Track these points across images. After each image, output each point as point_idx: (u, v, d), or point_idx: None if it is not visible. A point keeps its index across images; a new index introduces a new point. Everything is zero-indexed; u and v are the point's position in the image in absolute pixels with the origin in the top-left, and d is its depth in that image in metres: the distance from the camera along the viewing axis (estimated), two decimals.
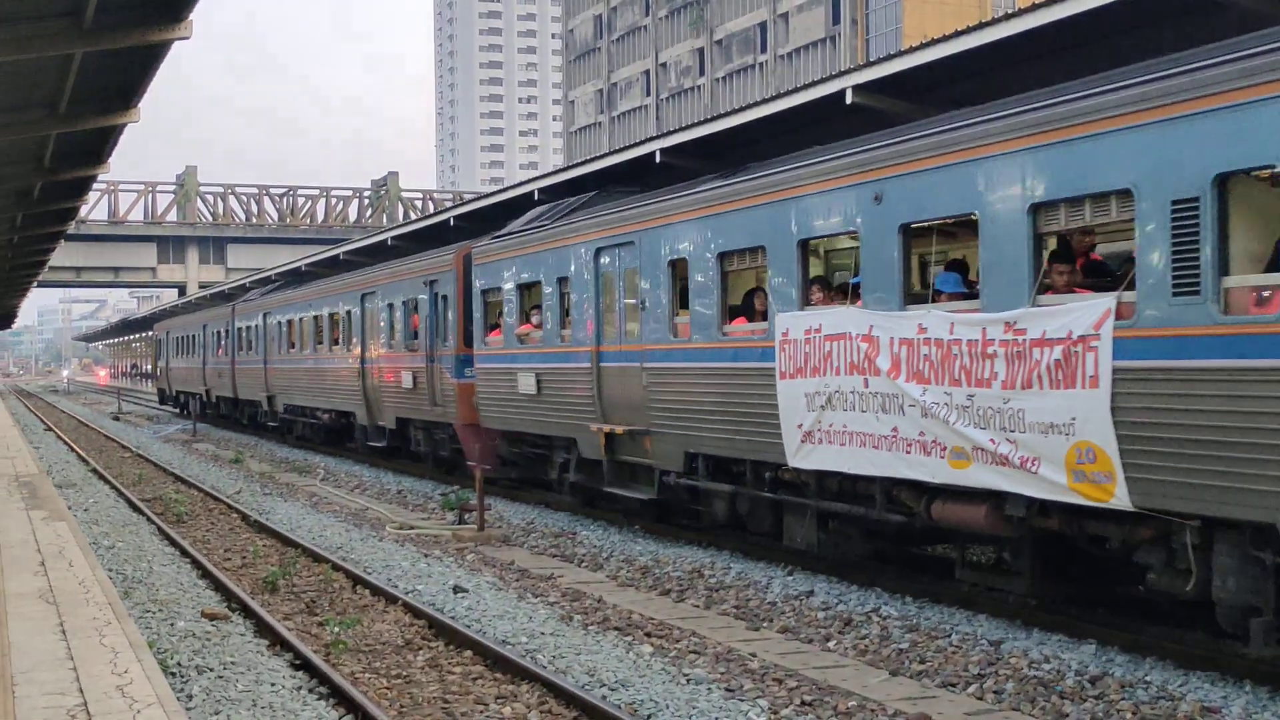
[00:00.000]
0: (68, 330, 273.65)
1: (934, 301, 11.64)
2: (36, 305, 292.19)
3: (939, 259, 12.73)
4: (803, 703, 9.45)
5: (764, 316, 14.00)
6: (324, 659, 10.74)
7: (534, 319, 19.82)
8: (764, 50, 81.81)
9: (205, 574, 15.20)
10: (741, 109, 17.99)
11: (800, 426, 12.82)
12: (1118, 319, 9.56)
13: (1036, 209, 10.25)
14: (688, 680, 10.04)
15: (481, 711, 9.35)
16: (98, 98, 20.50)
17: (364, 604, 13.39)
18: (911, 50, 15.03)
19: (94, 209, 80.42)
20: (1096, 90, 10.00)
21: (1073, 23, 12.94)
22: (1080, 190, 9.92)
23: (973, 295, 11.23)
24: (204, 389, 48.62)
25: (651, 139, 20.24)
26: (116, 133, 23.50)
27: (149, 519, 20.24)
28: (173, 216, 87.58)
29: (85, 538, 15.70)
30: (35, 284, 71.65)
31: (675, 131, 19.64)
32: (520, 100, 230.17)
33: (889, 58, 15.46)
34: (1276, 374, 8.52)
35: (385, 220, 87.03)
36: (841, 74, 16.02)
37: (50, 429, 46.63)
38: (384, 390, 27.14)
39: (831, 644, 11.37)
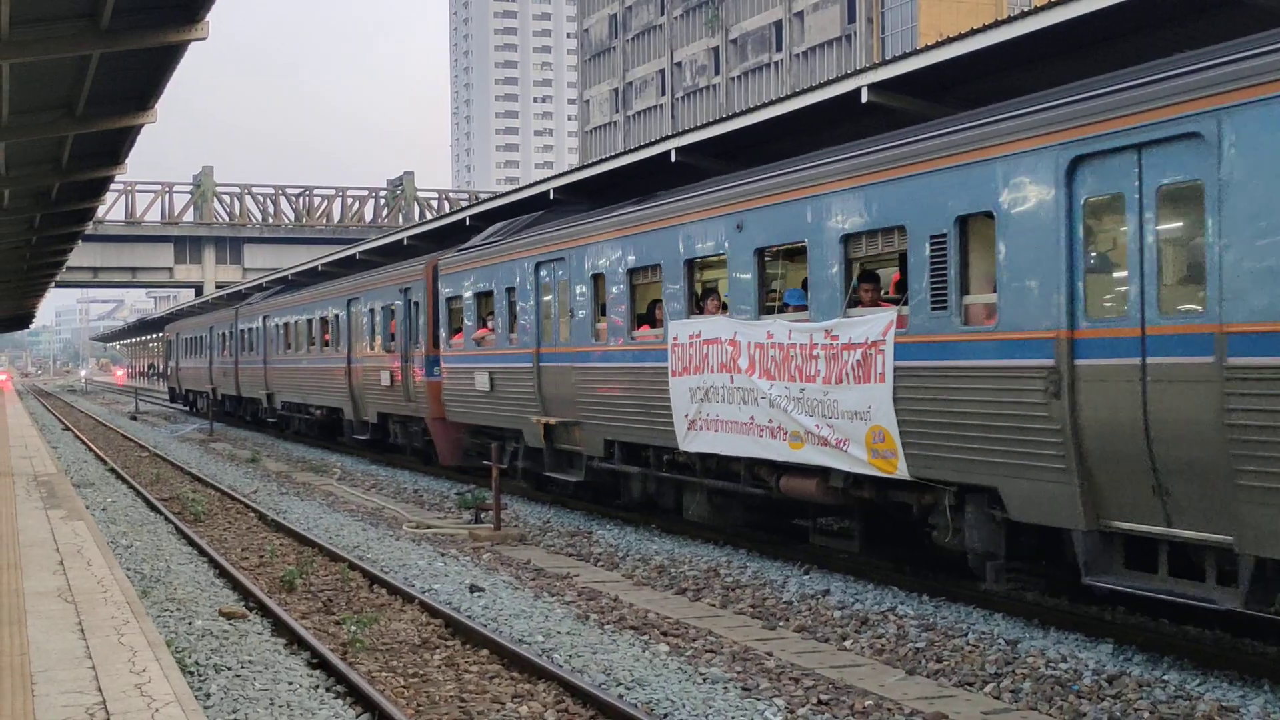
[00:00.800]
0: (85, 330, 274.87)
1: (782, 312, 14.04)
2: (54, 305, 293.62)
3: (785, 276, 15.12)
4: (819, 702, 9.44)
5: (662, 323, 16.31)
6: (341, 658, 10.77)
7: (489, 324, 22.07)
8: (779, 49, 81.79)
9: (223, 573, 15.25)
10: (756, 108, 17.97)
11: (687, 416, 15.26)
12: (898, 328, 12.04)
13: (846, 239, 12.82)
14: (704, 679, 10.05)
15: (498, 710, 9.36)
16: (115, 99, 20.57)
17: (381, 603, 13.42)
18: (927, 49, 15.00)
19: (111, 209, 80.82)
20: (883, 145, 12.62)
21: (1089, 20, 12.90)
22: (874, 225, 12.49)
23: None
24: (211, 387, 50.82)
25: (666, 138, 20.24)
26: (133, 133, 23.58)
27: (166, 518, 20.31)
28: (189, 217, 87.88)
29: (103, 537, 15.77)
30: (53, 284, 71.87)
31: (690, 131, 19.63)
32: (535, 100, 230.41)
33: (904, 56, 15.43)
34: (998, 371, 10.95)
35: (401, 220, 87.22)
36: (857, 73, 15.99)
37: (68, 428, 46.82)
38: (367, 388, 29.40)
39: (848, 643, 11.37)
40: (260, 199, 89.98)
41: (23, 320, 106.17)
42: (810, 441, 13.10)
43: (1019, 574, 12.54)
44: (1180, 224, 9.68)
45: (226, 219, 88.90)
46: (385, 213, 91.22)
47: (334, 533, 18.49)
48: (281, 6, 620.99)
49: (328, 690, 9.97)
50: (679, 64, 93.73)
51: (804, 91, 16.99)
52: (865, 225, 12.50)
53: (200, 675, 10.09)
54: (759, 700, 9.42)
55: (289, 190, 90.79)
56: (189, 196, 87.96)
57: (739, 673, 10.29)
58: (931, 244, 11.60)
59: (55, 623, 9.86)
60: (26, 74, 18.01)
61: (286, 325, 37.80)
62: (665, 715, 9.07)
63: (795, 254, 14.48)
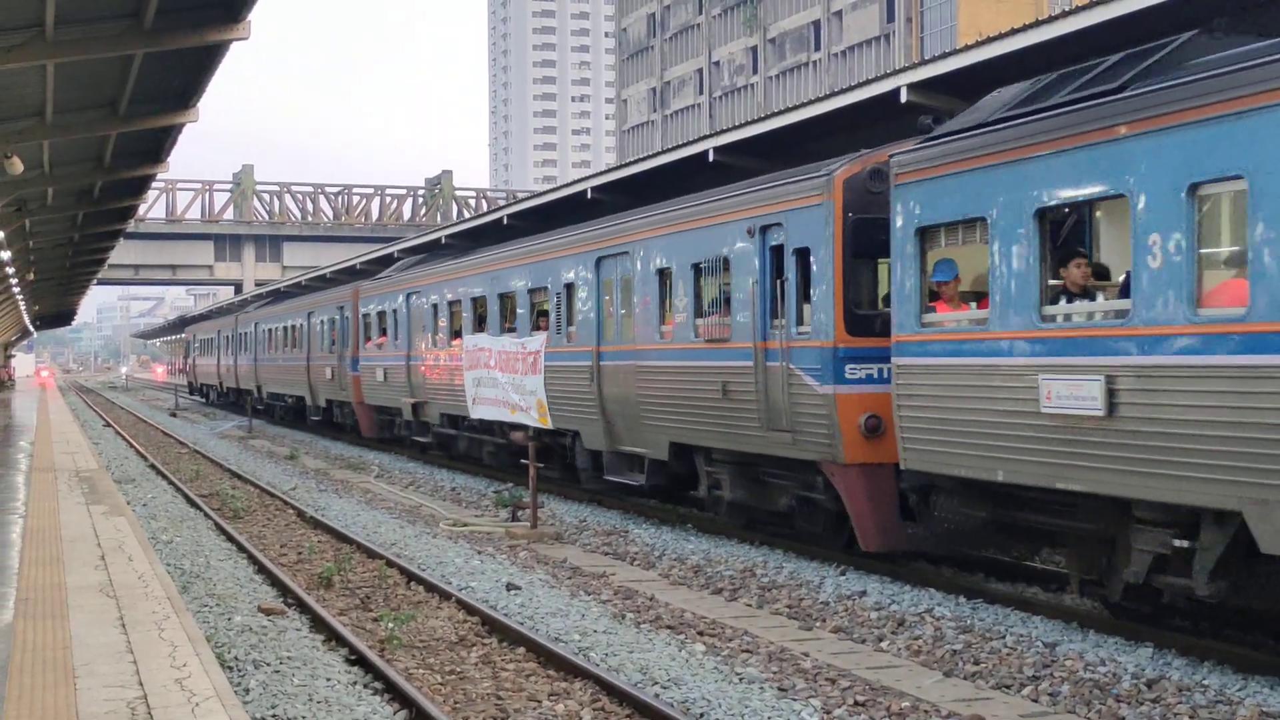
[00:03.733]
0: (126, 327, 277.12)
1: (509, 333, 22.42)
2: (96, 302, 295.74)
3: (513, 311, 23.28)
4: (855, 703, 9.42)
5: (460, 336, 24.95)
6: (379, 654, 10.82)
7: (389, 338, 30.84)
8: (818, 48, 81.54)
9: (261, 569, 15.35)
10: (795, 107, 17.95)
11: (472, 397, 20.72)
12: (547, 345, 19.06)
13: (531, 291, 22.52)
14: (740, 679, 10.04)
15: (534, 708, 9.39)
16: (157, 98, 20.74)
17: (418, 600, 13.48)
18: (967, 48, 14.95)
19: (152, 207, 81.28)
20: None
21: (1130, 20, 12.81)
22: (533, 286, 22.36)
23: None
24: (218, 381, 61.70)
25: (704, 138, 20.25)
26: (175, 132, 23.77)
27: (206, 514, 20.46)
28: (229, 215, 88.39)
29: (144, 532, 15.92)
30: (95, 281, 72.55)
31: (728, 130, 19.63)
32: (573, 99, 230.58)
33: (944, 56, 15.38)
34: (570, 366, 19.97)
35: (439, 218, 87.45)
36: (896, 72, 15.96)
37: (109, 424, 47.22)
38: (318, 381, 38.58)
39: (885, 644, 11.34)
40: (299, 197, 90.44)
41: (65, 317, 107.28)
42: (519, 409, 18.85)
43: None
44: None
45: (266, 217, 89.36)
46: (424, 211, 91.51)
47: (372, 530, 18.58)
48: (322, 6, 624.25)
49: (365, 687, 10.03)
50: (717, 63, 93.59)
51: (843, 91, 16.96)
52: (531, 285, 22.20)
53: (239, 670, 10.16)
54: (795, 701, 9.41)
55: (328, 189, 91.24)
56: (229, 195, 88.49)
57: (775, 673, 10.28)
58: (543, 296, 22.08)
59: (97, 617, 9.96)
60: (70, 73, 18.19)
61: (269, 331, 46.65)
62: (701, 715, 9.07)
63: (513, 296, 23.17)
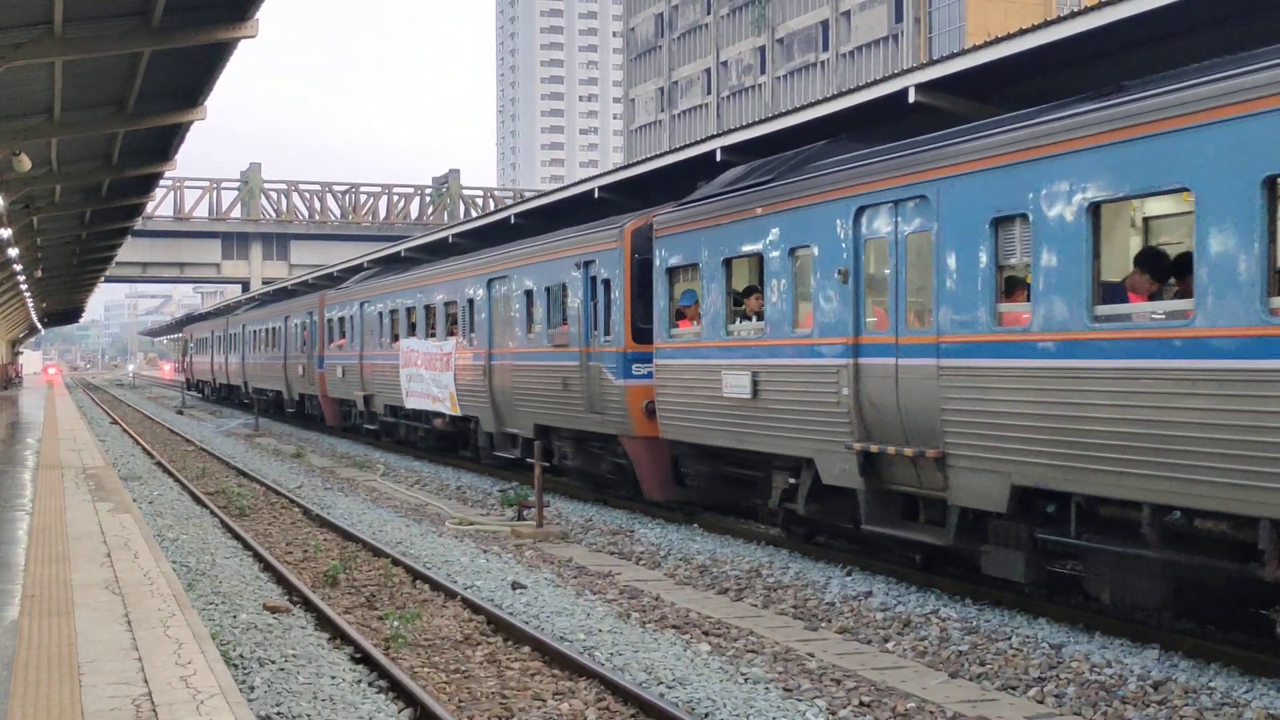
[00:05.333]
0: (133, 325, 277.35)
1: (430, 338, 27.40)
2: (103, 300, 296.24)
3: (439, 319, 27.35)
4: (861, 704, 9.41)
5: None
6: (384, 653, 10.82)
7: (346, 340, 35.56)
8: (826, 48, 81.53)
9: (267, 567, 15.36)
10: (802, 108, 17.92)
11: (406, 390, 26.35)
12: (458, 350, 24.64)
13: (447, 304, 26.33)
14: (745, 679, 10.03)
15: (539, 707, 9.38)
16: (165, 96, 20.76)
17: (423, 599, 13.48)
18: (975, 49, 14.90)
19: (160, 205, 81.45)
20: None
21: (1138, 20, 12.78)
22: (448, 300, 26.33)
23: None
24: (211, 377, 67.34)
25: (711, 137, 20.21)
26: (183, 130, 23.79)
27: (212, 512, 20.48)
28: (237, 213, 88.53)
29: (150, 530, 15.92)
30: (102, 279, 72.66)
31: (735, 130, 19.59)
32: (581, 98, 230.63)
33: (952, 56, 15.33)
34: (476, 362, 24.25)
35: (446, 217, 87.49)
36: (904, 72, 15.91)
37: (116, 422, 47.29)
38: (293, 377, 43.82)
39: (890, 645, 11.32)
40: (307, 196, 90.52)
41: (72, 314, 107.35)
42: (438, 400, 24.20)
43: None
44: None
45: (273, 215, 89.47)
46: (430, 210, 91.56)
47: (377, 528, 18.58)
48: (330, 5, 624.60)
49: (370, 685, 10.03)
50: (724, 63, 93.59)
51: (851, 91, 16.92)
52: (446, 300, 26.45)
53: (244, 668, 10.16)
54: (800, 701, 9.40)
55: (335, 187, 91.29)
56: (237, 193, 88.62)
57: (780, 673, 10.27)
58: (455, 308, 26.19)
59: (102, 614, 9.96)
60: (79, 71, 18.21)
61: (255, 332, 51.57)
62: (706, 715, 9.07)
63: (435, 308, 27.54)
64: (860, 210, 13.28)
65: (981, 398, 11.63)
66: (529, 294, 22.03)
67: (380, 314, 31.81)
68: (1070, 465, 10.66)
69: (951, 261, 11.91)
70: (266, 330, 48.49)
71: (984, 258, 11.54)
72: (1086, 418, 10.44)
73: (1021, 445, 11.18)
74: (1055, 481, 10.88)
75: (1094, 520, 10.87)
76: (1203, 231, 9.51)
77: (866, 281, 13.40)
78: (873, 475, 13.29)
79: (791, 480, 14.94)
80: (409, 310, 29.44)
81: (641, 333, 18.27)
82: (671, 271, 17.37)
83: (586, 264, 19.73)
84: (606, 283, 19.12)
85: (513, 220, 28.59)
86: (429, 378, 25.14)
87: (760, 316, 15.48)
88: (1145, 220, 12.36)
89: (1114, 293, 10.75)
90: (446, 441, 28.08)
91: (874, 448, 13.06)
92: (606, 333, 19.11)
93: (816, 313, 14.05)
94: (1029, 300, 11.13)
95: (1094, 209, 10.48)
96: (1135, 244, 12.16)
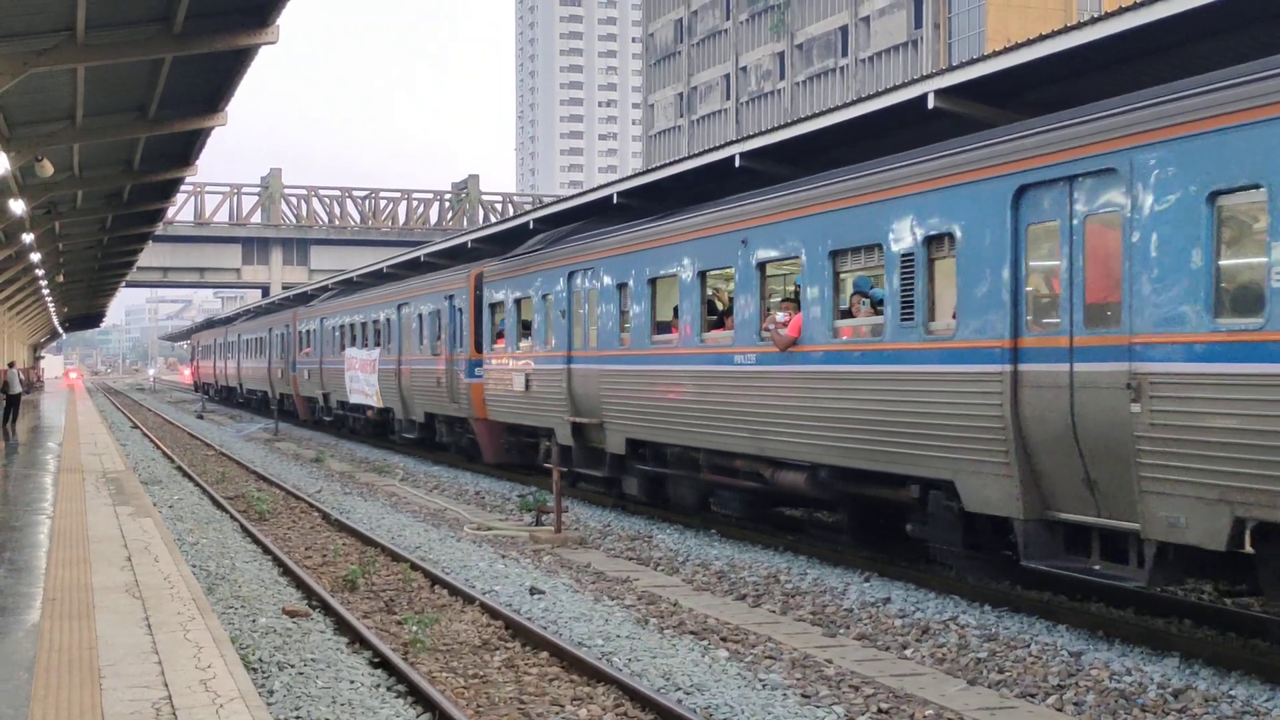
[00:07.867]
0: (154, 329, 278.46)
1: (364, 347, 35.95)
2: (124, 305, 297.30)
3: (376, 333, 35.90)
4: (879, 710, 9.39)
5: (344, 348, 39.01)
6: (402, 657, 10.83)
7: (311, 349, 43.92)
8: (845, 54, 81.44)
9: (286, 571, 15.39)
10: (822, 113, 17.88)
11: (349, 388, 34.57)
12: (381, 355, 34.09)
13: (370, 324, 36.20)
14: (763, 685, 10.02)
15: (557, 713, 9.38)
16: (186, 101, 20.86)
17: (442, 604, 13.49)
18: (995, 54, 14.86)
19: (181, 210, 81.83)
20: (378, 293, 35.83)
21: (1160, 26, 12.73)
22: (367, 319, 36.97)
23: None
24: (215, 380, 75.86)
25: (731, 143, 20.19)
26: (204, 136, 23.91)
27: (232, 516, 20.54)
28: (257, 218, 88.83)
29: (170, 534, 15.97)
30: (123, 284, 73.01)
31: (755, 136, 19.57)
32: (600, 104, 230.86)
33: (972, 62, 15.30)
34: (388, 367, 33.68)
35: (465, 223, 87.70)
36: (924, 78, 15.88)
37: (136, 426, 47.47)
38: (275, 379, 51.77)
39: (909, 652, 11.30)
40: (327, 201, 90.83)
41: (93, 319, 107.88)
42: (369, 396, 31.83)
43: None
44: None
45: (293, 220, 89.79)
46: (450, 216, 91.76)
47: (396, 533, 18.62)
48: (350, 11, 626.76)
49: (389, 690, 10.04)
50: (744, 69, 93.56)
51: (870, 97, 16.89)
52: (374, 318, 35.12)
53: (264, 672, 10.19)
54: (818, 708, 9.38)
55: (355, 193, 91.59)
56: (257, 198, 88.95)
57: (798, 680, 10.25)
58: (379, 325, 34.92)
59: (123, 618, 10.00)
60: (101, 77, 18.31)
61: (248, 341, 60.37)
62: None
63: (367, 324, 36.19)
64: (572, 274, 21.27)
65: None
66: (420, 316, 30.69)
67: (334, 328, 40.59)
68: None
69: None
70: (256, 339, 57.77)
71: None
72: None
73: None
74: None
75: None
76: None
77: (575, 320, 21.23)
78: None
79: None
80: (351, 326, 38.20)
81: (480, 346, 26.33)
82: (493, 305, 25.75)
83: (450, 296, 28.47)
84: (460, 310, 27.81)
85: (531, 226, 28.61)
86: (363, 378, 34.71)
87: (530, 337, 23.39)
88: None
89: None
90: (375, 428, 36.63)
91: (581, 420, 20.98)
92: (461, 345, 27.64)
93: (554, 333, 21.96)
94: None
95: None
96: None
